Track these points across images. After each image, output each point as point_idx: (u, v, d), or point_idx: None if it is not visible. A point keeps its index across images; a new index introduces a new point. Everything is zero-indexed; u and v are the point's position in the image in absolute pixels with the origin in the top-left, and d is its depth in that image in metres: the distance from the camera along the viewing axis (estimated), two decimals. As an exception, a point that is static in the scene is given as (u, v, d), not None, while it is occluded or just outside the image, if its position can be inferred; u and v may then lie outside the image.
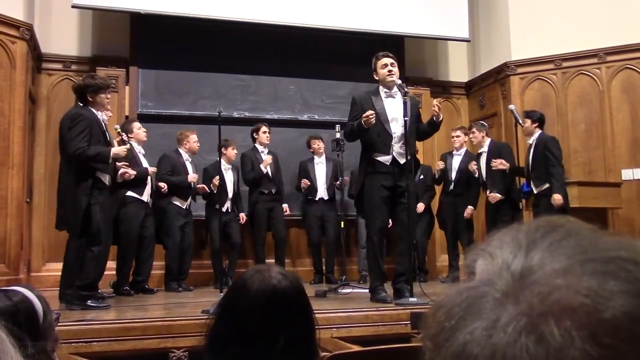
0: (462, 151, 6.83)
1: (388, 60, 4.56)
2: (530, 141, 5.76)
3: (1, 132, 5.72)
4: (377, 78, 4.62)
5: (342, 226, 6.06)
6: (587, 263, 0.40)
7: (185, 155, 6.35)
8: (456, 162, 6.80)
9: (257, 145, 6.65)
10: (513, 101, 7.02)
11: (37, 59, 6.64)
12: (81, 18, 6.94)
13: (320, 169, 7.00)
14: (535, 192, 5.68)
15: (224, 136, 5.48)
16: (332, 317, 3.72)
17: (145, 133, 6.04)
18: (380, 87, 4.59)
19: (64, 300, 4.34)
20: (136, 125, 6.00)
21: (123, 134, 4.93)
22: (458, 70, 8.38)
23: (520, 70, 7.44)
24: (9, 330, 0.85)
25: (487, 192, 6.25)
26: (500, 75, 7.68)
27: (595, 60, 7.05)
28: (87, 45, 6.99)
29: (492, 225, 6.13)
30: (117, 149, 4.53)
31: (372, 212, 4.50)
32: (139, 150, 5.88)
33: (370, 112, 4.31)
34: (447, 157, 6.93)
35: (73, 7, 6.49)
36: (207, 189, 6.23)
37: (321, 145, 6.99)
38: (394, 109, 4.49)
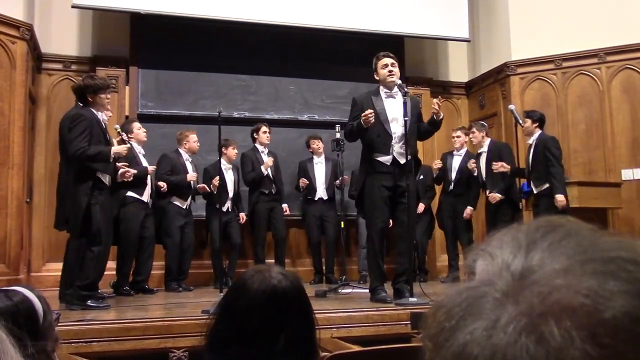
0: (463, 151, 6.83)
1: (389, 61, 4.56)
2: (530, 141, 5.76)
3: (1, 132, 5.72)
4: (377, 78, 4.61)
5: (342, 226, 6.06)
6: (587, 263, 0.40)
7: (185, 155, 6.35)
8: (456, 162, 6.80)
9: (258, 145, 6.65)
10: (513, 101, 7.02)
11: (37, 59, 6.64)
12: (81, 18, 6.94)
13: (320, 169, 7.00)
14: (535, 192, 5.68)
15: (224, 136, 5.48)
16: (332, 317, 3.72)
17: (145, 133, 6.04)
18: (381, 87, 4.59)
19: (64, 300, 4.34)
20: (136, 125, 6.00)
21: (123, 133, 4.93)
22: (458, 70, 8.38)
23: (520, 70, 7.44)
24: (9, 330, 0.85)
25: (487, 192, 6.25)
26: (500, 75, 7.68)
27: (595, 60, 7.05)
28: (87, 45, 6.99)
29: (492, 225, 6.13)
30: (117, 148, 4.53)
31: (372, 212, 4.50)
32: (139, 150, 5.88)
33: (369, 110, 4.32)
34: (447, 157, 6.93)
35: (73, 7, 6.49)
36: (207, 188, 6.23)
37: (320, 145, 6.99)
38: (394, 109, 4.49)
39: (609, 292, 0.38)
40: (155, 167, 6.02)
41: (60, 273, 4.59)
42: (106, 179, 4.50)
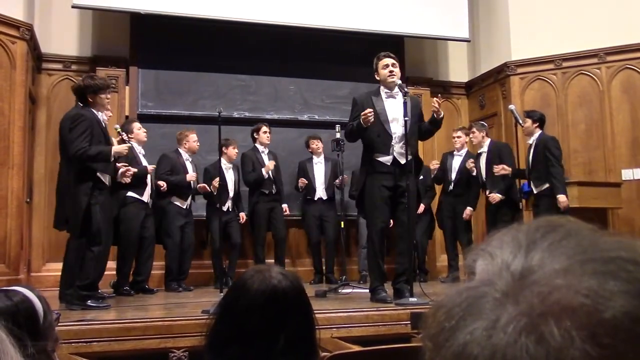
0: (463, 152, 6.82)
1: (389, 61, 4.56)
2: (530, 141, 5.76)
3: (1, 132, 5.73)
4: (378, 78, 4.61)
5: (343, 226, 6.07)
6: (587, 263, 0.40)
7: (185, 155, 6.35)
8: (457, 162, 6.80)
9: (258, 145, 6.65)
10: (513, 101, 7.02)
11: (37, 59, 6.64)
12: (81, 18, 6.94)
13: (319, 169, 7.00)
14: (535, 192, 5.68)
15: (224, 136, 5.48)
16: (332, 317, 3.72)
17: (145, 133, 6.04)
18: (381, 88, 4.59)
19: (64, 300, 4.34)
20: (136, 125, 6.00)
21: (123, 133, 4.93)
22: (458, 70, 8.38)
23: (520, 70, 7.45)
24: (9, 330, 0.85)
25: (487, 193, 6.25)
26: (500, 75, 7.68)
27: (595, 60, 7.05)
28: (87, 45, 6.99)
29: (492, 225, 6.13)
30: (118, 148, 4.52)
31: (372, 212, 4.50)
32: (139, 150, 5.88)
33: (368, 109, 4.32)
34: (447, 157, 6.94)
35: (73, 7, 6.49)
36: (207, 188, 6.23)
37: (320, 145, 6.99)
38: (394, 109, 4.48)
39: (609, 292, 0.38)
40: (154, 166, 6.02)
41: (60, 273, 4.59)
42: (106, 179, 4.50)
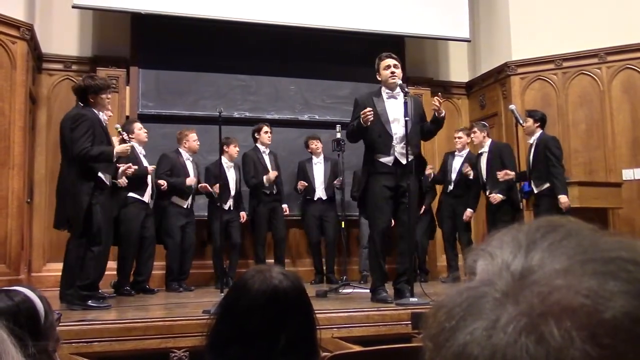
0: (464, 152, 6.82)
1: (391, 62, 4.55)
2: (531, 141, 5.76)
3: (2, 133, 5.73)
4: (379, 79, 4.62)
5: (343, 226, 6.06)
6: (587, 263, 0.40)
7: (185, 155, 6.35)
8: (457, 163, 6.79)
9: (259, 145, 6.66)
10: (513, 101, 7.02)
11: (38, 59, 6.64)
12: (82, 18, 6.94)
13: (319, 169, 7.00)
14: (535, 191, 5.68)
15: (224, 136, 5.47)
16: (333, 317, 3.72)
17: (146, 133, 6.04)
18: (383, 88, 4.59)
19: (64, 301, 4.34)
20: (137, 125, 6.00)
21: (124, 133, 4.92)
22: (458, 70, 8.38)
23: (520, 70, 7.44)
24: (10, 330, 0.85)
25: (487, 193, 6.25)
26: (500, 75, 7.68)
27: (595, 60, 7.04)
28: (88, 46, 6.99)
29: (492, 225, 6.13)
30: (120, 148, 4.51)
31: (374, 213, 4.50)
32: (140, 150, 5.88)
33: (367, 109, 4.32)
34: (448, 157, 6.94)
35: (73, 7, 6.50)
36: (209, 188, 6.23)
37: (319, 145, 6.99)
38: (395, 109, 4.48)
39: (609, 292, 0.38)
40: (155, 167, 6.02)
41: (60, 273, 4.59)
42: (107, 178, 4.50)
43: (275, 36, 7.35)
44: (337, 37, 7.50)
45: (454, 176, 6.77)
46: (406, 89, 4.43)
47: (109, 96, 4.74)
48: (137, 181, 5.62)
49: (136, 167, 5.35)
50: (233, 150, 6.52)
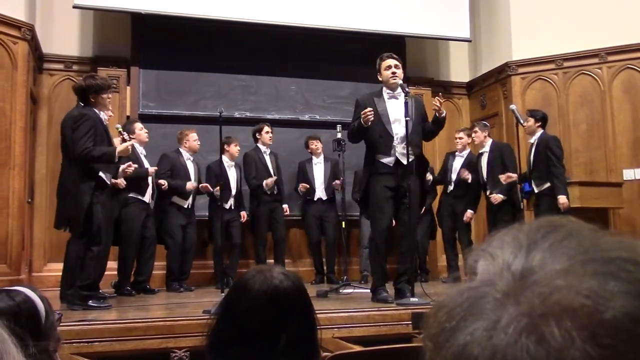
0: (465, 153, 6.82)
1: (392, 62, 4.55)
2: (532, 140, 5.75)
3: (3, 133, 5.73)
4: (381, 79, 4.62)
5: (344, 226, 6.06)
6: (588, 263, 0.40)
7: (186, 155, 6.35)
8: (457, 163, 6.79)
9: (260, 146, 6.66)
10: (514, 101, 7.02)
11: (39, 60, 6.65)
12: (82, 18, 6.95)
13: (319, 169, 7.00)
14: (536, 191, 5.68)
15: (225, 136, 5.47)
16: (333, 317, 3.72)
17: (147, 134, 6.04)
18: (384, 89, 4.59)
19: (65, 301, 4.34)
20: (138, 125, 6.00)
21: (124, 133, 4.92)
22: (459, 70, 8.38)
23: (521, 70, 7.44)
24: (11, 330, 0.85)
25: (488, 193, 6.24)
26: (501, 75, 7.68)
27: (596, 60, 7.04)
28: (89, 46, 6.99)
29: (492, 225, 6.13)
30: (121, 147, 4.50)
31: (376, 213, 4.50)
32: (141, 151, 5.89)
33: (368, 109, 4.32)
34: (449, 157, 6.94)
35: (74, 7, 6.50)
36: (210, 188, 6.24)
37: (319, 145, 6.99)
38: (396, 110, 4.48)
39: (610, 292, 0.38)
40: (156, 168, 6.01)
41: (61, 273, 4.59)
42: (108, 178, 4.50)
43: (276, 36, 7.35)
44: (338, 37, 7.50)
45: (454, 176, 6.77)
46: (407, 89, 4.43)
47: (110, 96, 4.74)
48: (138, 181, 5.62)
49: (136, 165, 5.34)
50: (234, 149, 6.52)
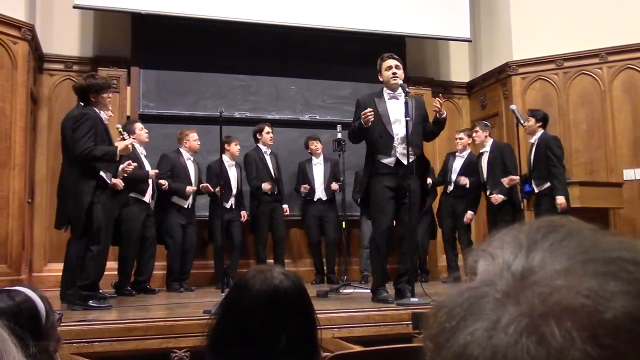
0: (465, 153, 6.81)
1: (393, 63, 4.55)
2: (532, 140, 5.75)
3: (3, 133, 5.73)
4: (381, 79, 4.62)
5: (344, 226, 6.05)
6: (588, 264, 0.40)
7: (186, 155, 6.35)
8: (458, 164, 6.79)
9: (261, 146, 6.66)
10: (514, 101, 7.02)
11: (39, 60, 6.65)
12: (82, 18, 6.95)
13: (318, 169, 7.00)
14: (536, 191, 5.68)
15: (225, 135, 5.47)
16: (333, 317, 3.72)
17: (147, 134, 6.04)
18: (384, 89, 4.59)
19: (65, 301, 4.34)
20: (138, 126, 6.00)
21: (124, 133, 4.92)
22: (459, 70, 8.38)
23: (521, 70, 7.44)
24: (11, 330, 0.85)
25: (488, 193, 6.24)
26: (501, 75, 7.67)
27: (596, 60, 7.04)
28: (89, 46, 7.00)
29: (493, 225, 6.13)
30: (122, 145, 4.49)
31: (376, 214, 4.50)
32: (141, 151, 5.88)
33: (368, 109, 4.32)
34: (450, 157, 6.94)
35: (74, 7, 6.50)
36: (210, 188, 6.23)
37: (319, 146, 6.99)
38: (397, 110, 4.48)
39: (610, 292, 0.38)
40: (157, 171, 6.00)
41: (61, 273, 4.59)
42: (109, 177, 4.50)
43: (276, 36, 7.35)
44: (338, 37, 7.50)
45: (454, 177, 6.77)
46: (407, 89, 4.43)
47: (110, 95, 4.74)
48: (138, 182, 5.62)
49: (136, 164, 5.34)
50: (234, 148, 6.52)
